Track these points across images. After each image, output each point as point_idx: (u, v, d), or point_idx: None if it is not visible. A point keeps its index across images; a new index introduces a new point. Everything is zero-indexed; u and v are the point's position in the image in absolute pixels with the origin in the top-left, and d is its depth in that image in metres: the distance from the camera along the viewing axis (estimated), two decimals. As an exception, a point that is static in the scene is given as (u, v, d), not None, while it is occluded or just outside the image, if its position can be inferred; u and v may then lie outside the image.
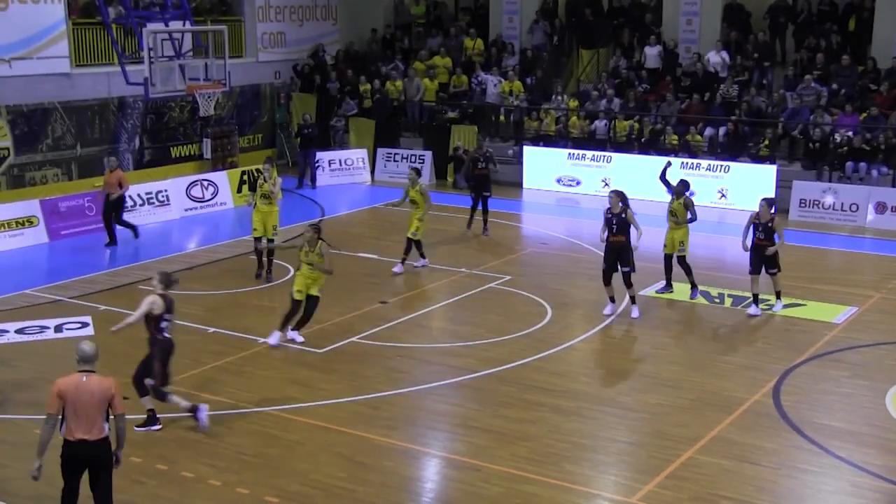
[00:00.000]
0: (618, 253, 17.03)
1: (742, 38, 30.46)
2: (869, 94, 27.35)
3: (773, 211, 17.56)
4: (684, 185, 18.48)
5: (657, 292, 18.67)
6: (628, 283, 17.17)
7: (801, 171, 26.51)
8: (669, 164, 19.51)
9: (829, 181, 25.83)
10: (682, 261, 18.43)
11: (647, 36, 31.13)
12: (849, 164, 25.79)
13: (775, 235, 17.37)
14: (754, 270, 17.50)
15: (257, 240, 19.40)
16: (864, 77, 27.93)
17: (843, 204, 25.23)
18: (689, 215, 18.15)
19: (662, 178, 18.94)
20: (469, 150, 26.04)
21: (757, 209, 17.55)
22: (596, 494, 11.51)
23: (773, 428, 13.09)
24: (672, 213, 18.34)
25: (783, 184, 25.87)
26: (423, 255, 20.50)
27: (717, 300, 18.54)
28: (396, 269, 20.16)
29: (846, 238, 24.02)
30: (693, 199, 18.50)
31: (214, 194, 26.89)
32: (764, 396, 14.06)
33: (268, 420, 13.22)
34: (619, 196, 17.08)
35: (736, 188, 26.42)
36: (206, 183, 26.95)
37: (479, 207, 23.52)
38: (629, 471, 12.04)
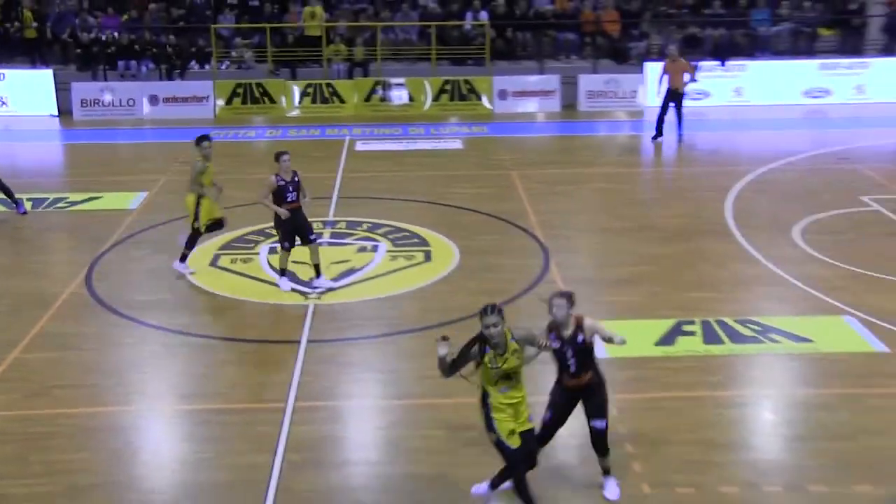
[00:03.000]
0: None
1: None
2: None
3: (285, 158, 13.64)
4: None
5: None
6: None
7: (77, 73, 26.43)
8: None
9: (105, 80, 26.10)
10: None
11: None
12: (120, 62, 26.25)
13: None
14: (291, 243, 13.81)
15: None
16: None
17: (121, 100, 25.70)
18: None
19: None
20: None
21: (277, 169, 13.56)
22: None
23: (92, 313, 13.39)
24: None
25: (61, 87, 25.71)
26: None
27: None
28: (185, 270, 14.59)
29: (128, 131, 24.56)
30: None
31: None
32: (78, 287, 14.22)
33: None
34: None
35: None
36: None
37: None
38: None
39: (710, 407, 10.78)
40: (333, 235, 16.38)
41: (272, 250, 15.50)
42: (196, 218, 14.31)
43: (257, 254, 15.52)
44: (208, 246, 15.81)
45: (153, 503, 9.18)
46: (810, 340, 12.31)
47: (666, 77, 22.38)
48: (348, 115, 26.09)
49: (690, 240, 15.99)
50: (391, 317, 13.21)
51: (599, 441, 8.80)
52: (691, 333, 12.48)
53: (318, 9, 27.09)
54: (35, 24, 26.67)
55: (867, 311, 13.08)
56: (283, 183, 13.40)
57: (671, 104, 22.36)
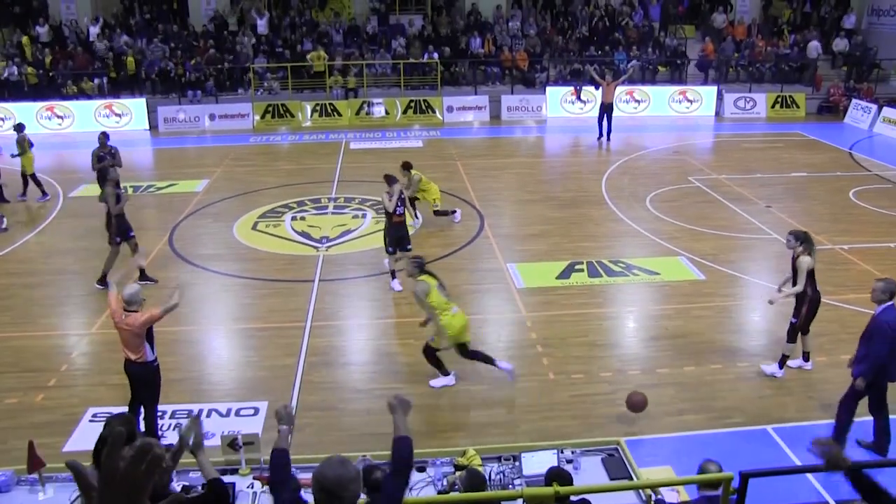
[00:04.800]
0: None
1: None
2: (194, 46, 27.06)
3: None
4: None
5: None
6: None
7: (161, 99, 25.67)
8: None
9: (179, 104, 25.46)
10: None
11: (36, 16, 27.29)
12: (189, 91, 25.60)
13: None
14: (395, 249, 11.73)
15: None
16: (189, 37, 27.54)
17: (189, 117, 25.07)
18: None
19: None
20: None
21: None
22: (68, 334, 10.86)
23: (173, 262, 13.09)
24: None
25: (151, 109, 24.99)
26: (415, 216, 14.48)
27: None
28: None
29: (194, 138, 24.01)
30: None
31: None
32: (164, 244, 13.87)
33: None
34: None
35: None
36: None
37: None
38: (87, 314, 11.52)
39: (593, 320, 10.75)
40: (336, 207, 16.12)
41: (293, 218, 15.27)
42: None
43: (283, 221, 15.22)
44: (251, 215, 15.51)
45: (219, 391, 9.03)
46: (657, 273, 12.31)
47: (601, 94, 22.06)
48: (344, 124, 25.64)
49: (579, 207, 15.91)
50: (375, 263, 13.03)
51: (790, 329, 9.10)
52: (580, 270, 12.44)
53: (322, 52, 26.57)
54: (135, 68, 25.91)
55: (692, 253, 13.11)
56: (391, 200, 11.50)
57: (605, 113, 21.91)
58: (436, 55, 26.82)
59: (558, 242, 13.74)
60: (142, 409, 7.71)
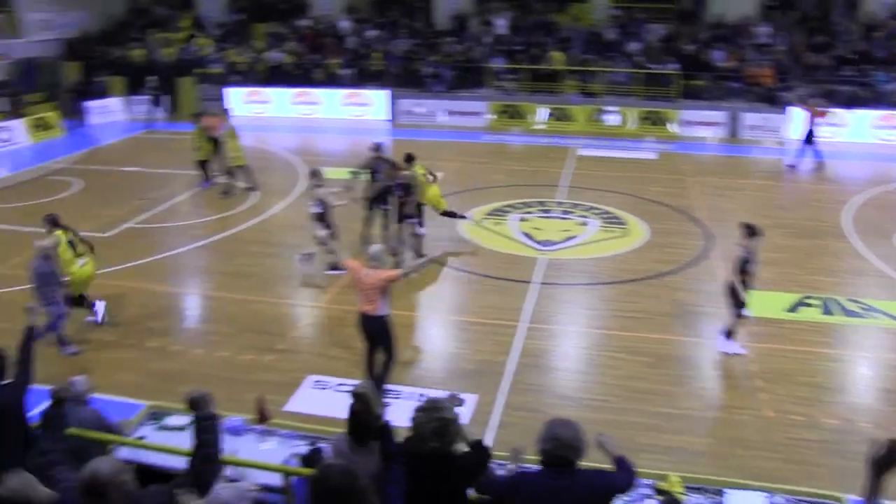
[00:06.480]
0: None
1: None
2: (436, 43, 28.04)
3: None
4: None
5: None
6: None
7: (405, 92, 26.97)
8: None
9: (419, 98, 26.49)
10: None
11: (297, 12, 30.02)
12: (428, 86, 26.60)
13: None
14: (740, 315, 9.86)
15: None
16: (431, 34, 28.59)
17: (427, 111, 25.96)
18: None
19: None
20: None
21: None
22: (299, 304, 11.75)
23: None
24: None
25: (393, 100, 26.39)
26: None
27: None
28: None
29: (430, 131, 24.80)
30: None
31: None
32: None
33: None
34: None
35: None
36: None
37: None
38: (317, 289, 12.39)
39: (822, 360, 10.00)
40: (562, 211, 16.16)
41: (520, 219, 15.50)
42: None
43: (508, 220, 15.51)
44: (478, 211, 15.95)
45: (429, 378, 9.41)
46: (904, 319, 11.19)
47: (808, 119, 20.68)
48: (576, 129, 25.53)
49: (815, 237, 14.81)
50: (595, 271, 12.98)
51: None
52: (813, 305, 11.60)
53: (559, 54, 26.69)
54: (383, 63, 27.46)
55: (951, 302, 11.75)
56: (747, 255, 9.50)
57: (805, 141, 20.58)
58: (676, 66, 26.01)
59: (790, 273, 12.88)
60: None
